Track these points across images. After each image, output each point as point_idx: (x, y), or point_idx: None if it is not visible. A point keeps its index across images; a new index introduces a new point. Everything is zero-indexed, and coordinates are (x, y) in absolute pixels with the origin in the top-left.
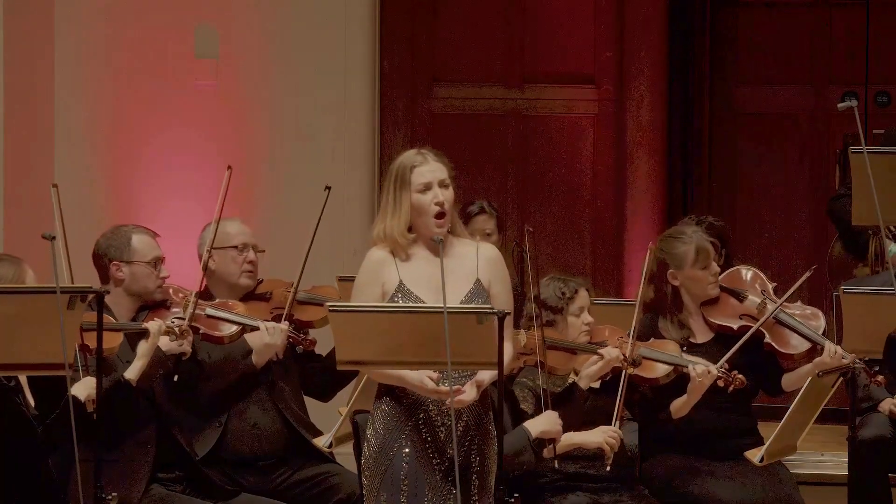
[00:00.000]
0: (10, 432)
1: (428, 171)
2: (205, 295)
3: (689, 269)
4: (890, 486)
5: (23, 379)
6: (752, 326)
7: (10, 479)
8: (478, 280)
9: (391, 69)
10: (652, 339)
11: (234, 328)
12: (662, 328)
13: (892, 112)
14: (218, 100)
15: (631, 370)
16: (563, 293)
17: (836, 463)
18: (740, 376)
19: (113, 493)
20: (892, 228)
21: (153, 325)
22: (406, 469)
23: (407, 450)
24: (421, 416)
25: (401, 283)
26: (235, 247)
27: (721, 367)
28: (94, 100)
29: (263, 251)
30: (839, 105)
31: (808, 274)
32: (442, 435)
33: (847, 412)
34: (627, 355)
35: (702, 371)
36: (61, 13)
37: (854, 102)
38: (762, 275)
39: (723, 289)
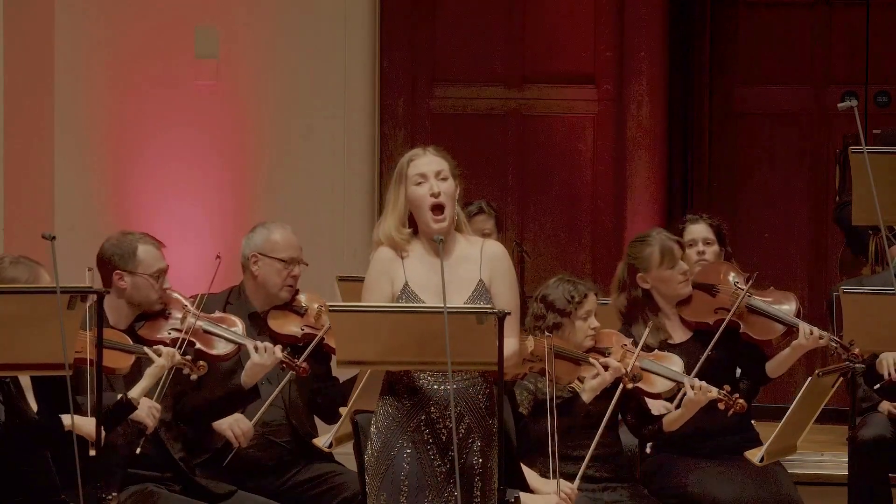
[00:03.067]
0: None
1: (424, 163)
2: (239, 294)
3: (656, 271)
4: (890, 486)
5: (25, 381)
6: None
7: (9, 479)
8: (480, 281)
9: (391, 69)
10: (656, 352)
11: (231, 347)
12: (636, 333)
13: (892, 112)
14: (218, 100)
15: (630, 385)
16: (573, 297)
17: (836, 463)
18: (741, 401)
19: (113, 493)
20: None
21: (167, 353)
22: (407, 470)
23: (408, 450)
24: (423, 417)
25: (406, 284)
26: (283, 260)
27: (721, 390)
28: (94, 100)
29: (307, 265)
30: (839, 105)
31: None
32: (444, 437)
33: (847, 412)
34: (629, 369)
35: (699, 388)
36: (61, 13)
37: (854, 102)
38: (733, 267)
39: (695, 286)
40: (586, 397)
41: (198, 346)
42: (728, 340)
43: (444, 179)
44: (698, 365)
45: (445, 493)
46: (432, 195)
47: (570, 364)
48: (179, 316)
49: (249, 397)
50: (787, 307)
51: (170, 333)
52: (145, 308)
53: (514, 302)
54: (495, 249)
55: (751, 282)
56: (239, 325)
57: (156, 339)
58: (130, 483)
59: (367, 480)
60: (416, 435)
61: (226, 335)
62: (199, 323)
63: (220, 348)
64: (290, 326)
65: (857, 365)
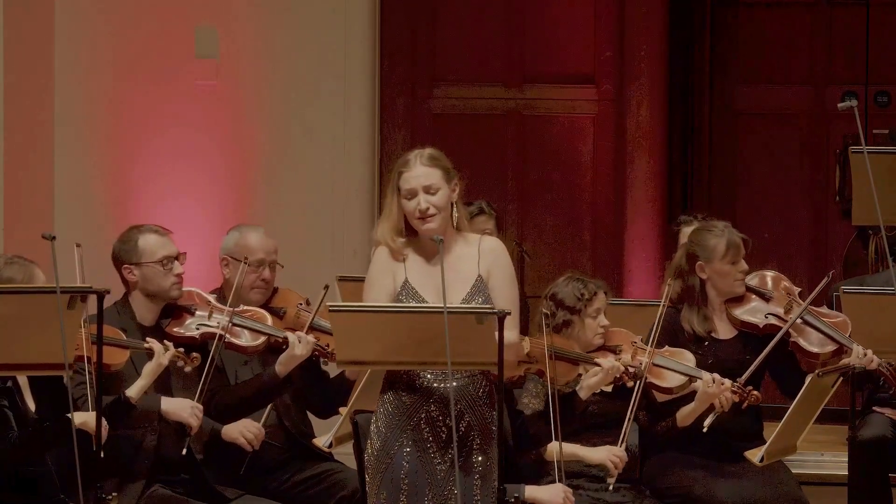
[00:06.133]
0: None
1: (412, 177)
2: (221, 299)
3: (718, 263)
4: (890, 486)
5: (23, 381)
6: (776, 325)
7: (8, 480)
8: (479, 276)
9: (391, 69)
10: (666, 347)
11: (261, 339)
12: (685, 319)
13: (892, 112)
14: (218, 100)
15: (630, 383)
16: (582, 294)
17: (836, 463)
18: (755, 392)
19: (113, 493)
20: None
21: (160, 349)
22: (406, 468)
23: (408, 449)
24: (423, 415)
25: (406, 280)
26: (250, 263)
27: (736, 382)
28: (94, 99)
29: (282, 267)
30: (839, 105)
31: (825, 280)
32: (444, 435)
33: (847, 412)
34: (643, 366)
35: (714, 381)
36: (61, 13)
37: (854, 102)
38: (787, 280)
39: (748, 288)
40: (583, 394)
41: (228, 339)
42: (774, 348)
43: (433, 193)
44: (745, 375)
45: (445, 491)
46: (420, 211)
47: (568, 364)
48: (205, 312)
49: (285, 387)
50: (842, 328)
51: (198, 329)
52: (164, 298)
53: (513, 295)
54: (492, 244)
55: (811, 297)
56: (269, 318)
57: (184, 336)
58: (131, 482)
59: (367, 479)
60: (416, 433)
61: (255, 327)
62: (232, 319)
63: (251, 341)
64: None
65: (857, 365)
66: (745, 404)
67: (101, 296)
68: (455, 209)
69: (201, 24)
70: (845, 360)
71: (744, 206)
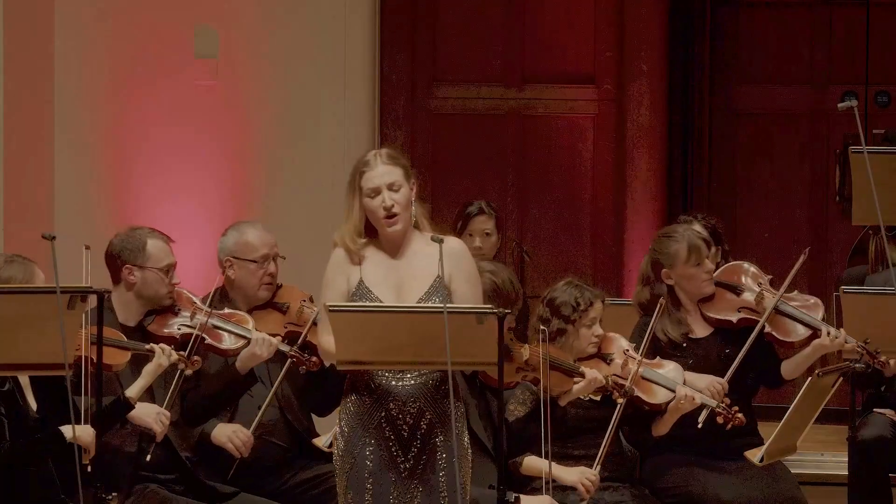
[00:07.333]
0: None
1: (375, 175)
2: (221, 295)
3: (682, 267)
4: (890, 486)
5: (25, 381)
6: (750, 319)
7: (10, 481)
8: (438, 277)
9: (391, 69)
10: (658, 358)
11: (241, 342)
12: (658, 329)
13: (892, 112)
14: (218, 100)
15: (621, 400)
16: (578, 304)
17: (836, 463)
18: (739, 415)
19: (113, 493)
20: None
21: (160, 351)
22: (370, 467)
23: (370, 449)
24: (383, 414)
25: (361, 281)
26: (256, 261)
27: (721, 404)
28: (94, 100)
29: (284, 258)
30: (839, 105)
31: (802, 258)
32: (405, 433)
33: (847, 412)
34: (630, 377)
35: (686, 398)
36: (61, 13)
37: (854, 102)
38: (756, 268)
39: (718, 284)
40: (562, 401)
41: (208, 341)
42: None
43: (396, 191)
44: (729, 372)
45: (410, 487)
46: (385, 209)
47: (562, 375)
48: (188, 312)
49: (248, 383)
50: (814, 312)
51: (179, 329)
52: (155, 303)
53: (476, 297)
54: (454, 245)
55: (784, 287)
56: (250, 322)
57: (165, 335)
58: (133, 483)
59: (336, 479)
60: (378, 433)
61: (235, 330)
62: (211, 320)
63: (230, 343)
64: (273, 325)
65: (856, 365)
66: (729, 426)
67: (101, 296)
68: (414, 207)
69: (201, 24)
70: (822, 340)
71: (744, 206)
